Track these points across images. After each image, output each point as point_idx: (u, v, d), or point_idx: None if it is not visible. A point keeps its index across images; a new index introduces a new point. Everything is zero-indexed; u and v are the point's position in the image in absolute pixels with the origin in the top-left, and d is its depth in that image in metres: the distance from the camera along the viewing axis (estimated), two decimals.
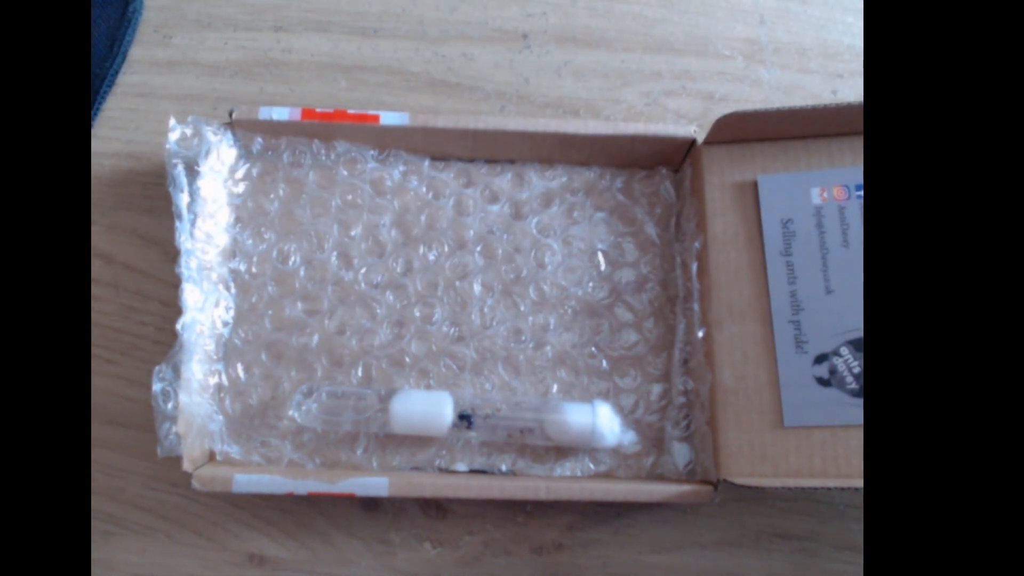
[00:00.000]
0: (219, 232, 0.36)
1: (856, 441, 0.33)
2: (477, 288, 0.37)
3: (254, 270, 0.37)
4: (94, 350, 0.37)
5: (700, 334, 0.35)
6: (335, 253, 0.38)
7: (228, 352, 0.36)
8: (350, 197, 0.38)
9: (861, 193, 0.34)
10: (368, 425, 0.34)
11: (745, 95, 0.41)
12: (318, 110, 0.36)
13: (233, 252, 0.37)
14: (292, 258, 0.37)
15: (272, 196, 0.38)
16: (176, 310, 0.33)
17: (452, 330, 0.37)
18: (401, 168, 0.38)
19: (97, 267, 0.38)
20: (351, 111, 0.36)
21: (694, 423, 0.35)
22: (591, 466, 0.35)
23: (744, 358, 0.34)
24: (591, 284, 0.38)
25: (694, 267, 0.36)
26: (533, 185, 0.39)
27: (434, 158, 0.39)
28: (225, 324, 0.36)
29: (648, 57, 0.42)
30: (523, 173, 0.39)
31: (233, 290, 0.37)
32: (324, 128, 0.36)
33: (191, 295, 0.33)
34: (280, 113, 0.36)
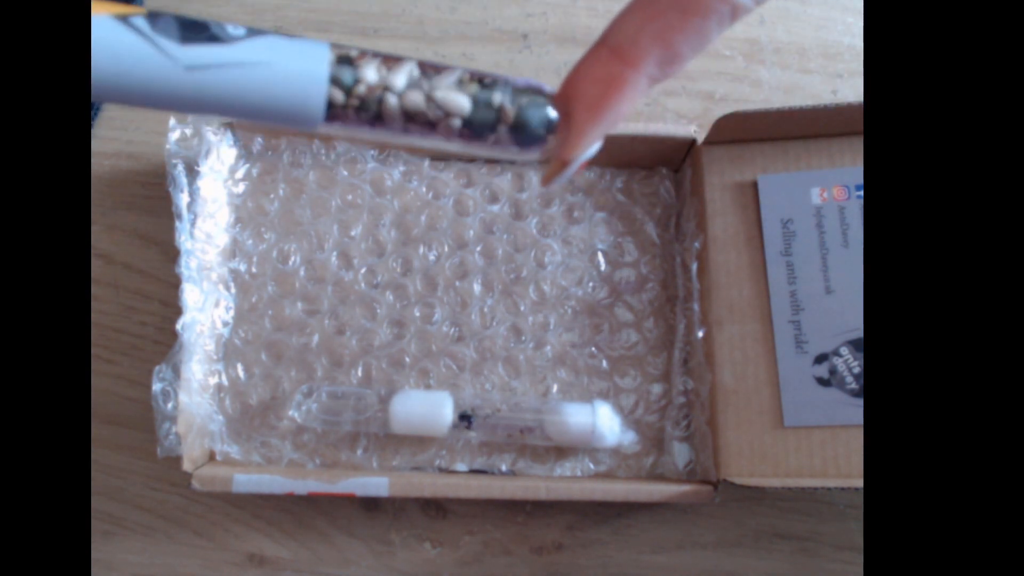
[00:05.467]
0: (219, 232, 0.36)
1: (856, 441, 0.33)
2: (477, 288, 0.37)
3: (254, 270, 0.37)
4: (94, 350, 0.37)
5: (700, 334, 0.35)
6: (335, 253, 0.38)
7: (228, 352, 0.36)
8: (350, 197, 0.38)
9: (861, 193, 0.34)
10: (368, 425, 0.34)
11: (745, 95, 0.41)
12: None
13: (233, 252, 0.37)
14: (292, 258, 0.37)
15: (272, 196, 0.38)
16: (176, 310, 0.33)
17: (452, 330, 0.37)
18: (401, 168, 0.38)
19: (97, 267, 0.38)
20: None
21: (694, 423, 0.35)
22: (591, 466, 0.35)
23: (744, 358, 0.34)
24: (591, 284, 0.38)
25: (694, 267, 0.36)
26: (533, 185, 0.39)
27: (434, 158, 0.39)
28: (225, 324, 0.36)
29: None
30: (523, 173, 0.39)
31: (233, 290, 0.37)
32: None
33: (191, 295, 0.33)
34: None
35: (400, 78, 0.19)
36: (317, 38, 0.19)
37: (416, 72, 0.19)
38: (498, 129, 0.20)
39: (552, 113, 0.20)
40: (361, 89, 0.18)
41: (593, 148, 0.21)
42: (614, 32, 0.19)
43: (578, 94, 0.19)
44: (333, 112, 0.18)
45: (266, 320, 0.37)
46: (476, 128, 0.19)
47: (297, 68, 0.18)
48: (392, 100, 0.18)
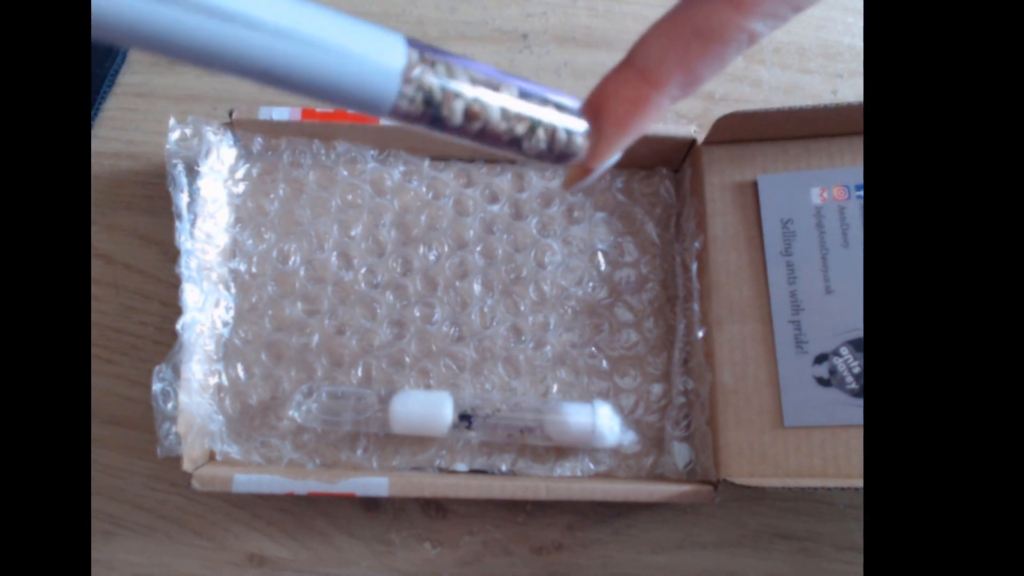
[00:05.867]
0: (219, 232, 0.36)
1: (856, 441, 0.33)
2: (477, 288, 0.37)
3: (254, 270, 0.37)
4: (94, 350, 0.37)
5: (700, 334, 0.35)
6: (335, 253, 0.38)
7: (228, 352, 0.36)
8: (350, 197, 0.38)
9: (861, 193, 0.34)
10: (368, 425, 0.34)
11: (745, 95, 0.41)
12: (318, 110, 0.36)
13: (233, 252, 0.37)
14: (292, 258, 0.37)
15: (272, 196, 0.38)
16: (176, 310, 0.33)
17: (452, 330, 0.37)
18: (401, 168, 0.38)
19: (97, 267, 0.38)
20: (351, 111, 0.36)
21: (694, 423, 0.35)
22: (591, 466, 0.35)
23: (744, 358, 0.34)
24: (591, 284, 0.38)
25: (694, 267, 0.36)
26: (533, 185, 0.39)
27: (434, 158, 0.39)
28: (225, 324, 0.36)
29: None
30: (523, 173, 0.39)
31: (233, 290, 0.37)
32: (324, 128, 0.36)
33: (191, 295, 0.33)
34: (280, 113, 0.36)
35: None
36: None
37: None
38: (550, 117, 0.21)
39: (585, 125, 0.22)
40: (431, 53, 0.20)
41: (615, 157, 0.23)
42: (640, 54, 0.21)
43: (607, 111, 0.21)
44: (410, 64, 0.19)
45: (266, 320, 0.37)
46: (532, 100, 0.20)
47: (373, 25, 0.20)
48: (459, 65, 0.20)
